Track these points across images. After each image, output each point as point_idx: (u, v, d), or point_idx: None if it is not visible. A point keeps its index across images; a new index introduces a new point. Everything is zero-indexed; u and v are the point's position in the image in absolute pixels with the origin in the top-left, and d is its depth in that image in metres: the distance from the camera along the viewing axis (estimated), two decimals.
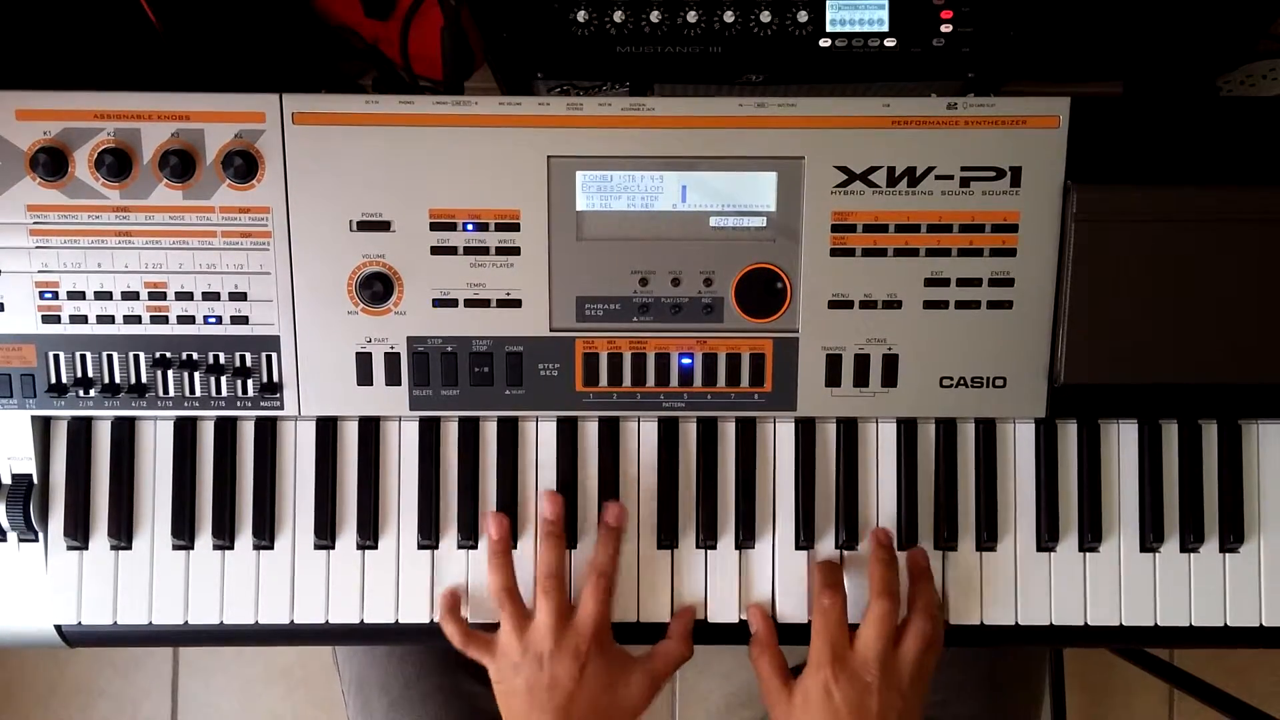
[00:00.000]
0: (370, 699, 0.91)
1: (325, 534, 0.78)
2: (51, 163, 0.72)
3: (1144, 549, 0.79)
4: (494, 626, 0.77)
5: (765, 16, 0.77)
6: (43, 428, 0.77)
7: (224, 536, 0.77)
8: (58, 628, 0.78)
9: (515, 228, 0.75)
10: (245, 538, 0.78)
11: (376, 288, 0.74)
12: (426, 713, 0.89)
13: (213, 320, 0.75)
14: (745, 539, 0.78)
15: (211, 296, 0.75)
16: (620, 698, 0.74)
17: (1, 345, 0.75)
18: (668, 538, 0.78)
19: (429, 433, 0.78)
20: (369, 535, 0.78)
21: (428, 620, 0.78)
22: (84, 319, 0.75)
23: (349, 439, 0.78)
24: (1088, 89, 0.81)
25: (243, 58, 0.85)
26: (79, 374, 0.75)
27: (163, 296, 0.75)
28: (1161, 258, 0.74)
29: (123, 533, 0.77)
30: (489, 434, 0.78)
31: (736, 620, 0.78)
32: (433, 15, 0.83)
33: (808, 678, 0.73)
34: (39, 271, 0.74)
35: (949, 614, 0.78)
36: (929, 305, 0.76)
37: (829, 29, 0.77)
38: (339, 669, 0.94)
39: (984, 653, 0.90)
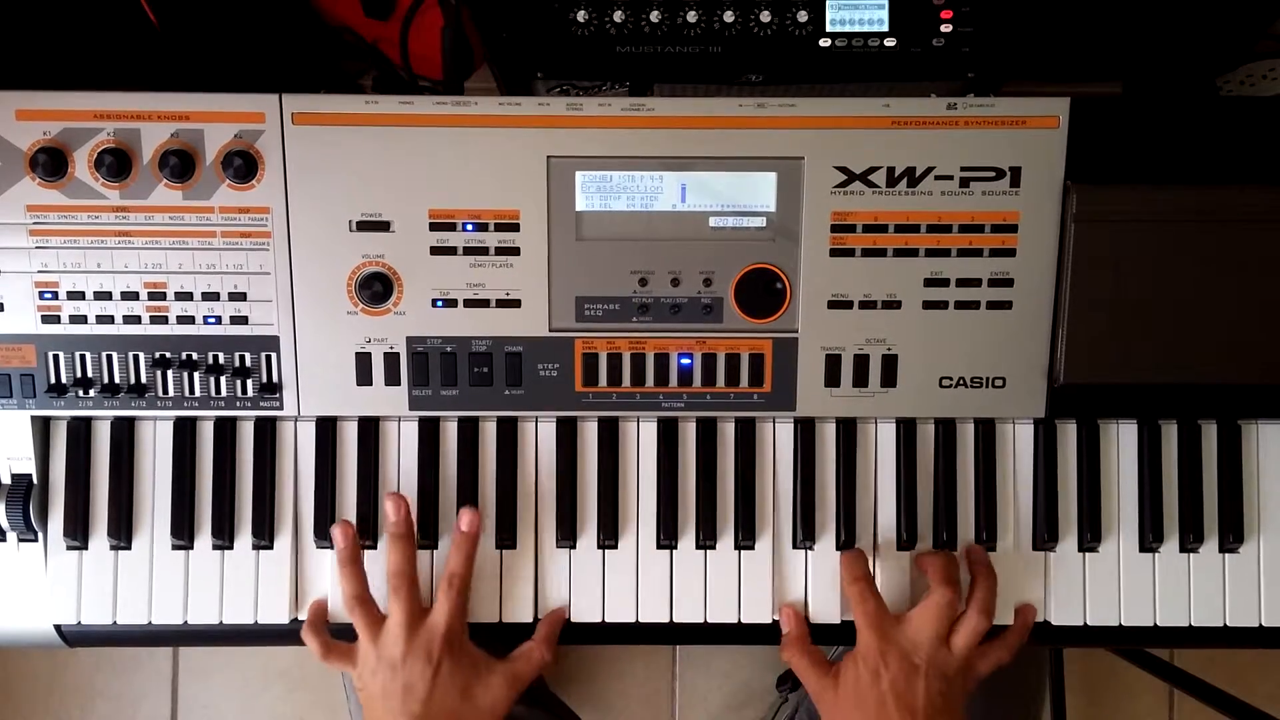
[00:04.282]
0: None
1: (325, 534, 0.78)
2: (51, 163, 0.72)
3: (1143, 549, 0.79)
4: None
5: (765, 16, 0.77)
6: (42, 428, 0.77)
7: (223, 536, 0.77)
8: (57, 628, 0.78)
9: (515, 228, 0.75)
10: (245, 538, 0.78)
11: (376, 288, 0.74)
12: None
13: (212, 320, 0.75)
14: (745, 539, 0.78)
15: (211, 297, 0.75)
16: (477, 699, 0.74)
17: (1, 345, 0.75)
18: (667, 538, 0.78)
19: (428, 433, 0.78)
20: (368, 535, 0.78)
21: None
22: (84, 319, 0.75)
23: (348, 439, 0.78)
24: (1088, 89, 0.81)
25: (242, 58, 0.85)
26: (79, 374, 0.75)
27: (162, 296, 0.75)
28: (1161, 258, 0.74)
29: (122, 533, 0.77)
30: (488, 434, 0.78)
31: (735, 620, 0.78)
32: (433, 15, 0.83)
33: (855, 661, 0.72)
34: (39, 271, 0.74)
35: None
36: (928, 305, 0.76)
37: (829, 29, 0.77)
38: None
39: None
